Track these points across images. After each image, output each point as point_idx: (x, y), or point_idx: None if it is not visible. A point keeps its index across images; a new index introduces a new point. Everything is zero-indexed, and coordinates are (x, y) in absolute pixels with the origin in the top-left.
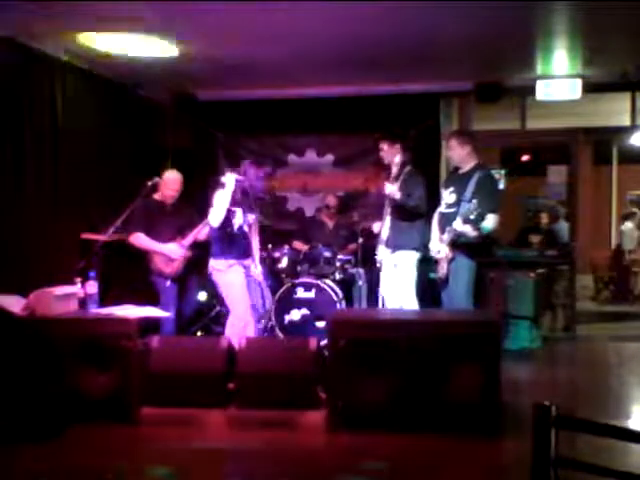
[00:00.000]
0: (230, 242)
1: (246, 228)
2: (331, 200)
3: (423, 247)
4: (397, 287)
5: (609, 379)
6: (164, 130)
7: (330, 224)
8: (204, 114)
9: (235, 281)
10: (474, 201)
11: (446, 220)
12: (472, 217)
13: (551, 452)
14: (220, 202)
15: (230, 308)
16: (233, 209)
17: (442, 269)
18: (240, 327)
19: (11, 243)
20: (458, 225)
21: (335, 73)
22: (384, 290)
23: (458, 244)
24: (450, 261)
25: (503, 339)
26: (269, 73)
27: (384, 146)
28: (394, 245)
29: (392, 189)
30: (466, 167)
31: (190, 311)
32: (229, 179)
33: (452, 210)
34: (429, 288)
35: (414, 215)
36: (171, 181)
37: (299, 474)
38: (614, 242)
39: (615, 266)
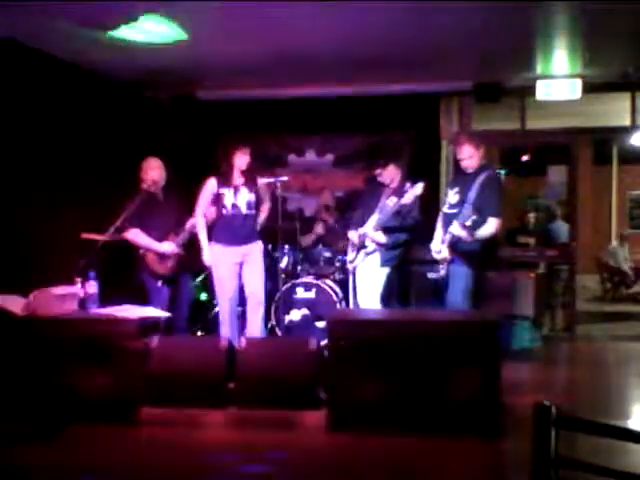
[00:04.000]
0: (223, 226)
1: (244, 208)
2: (328, 199)
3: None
4: (368, 294)
5: (609, 379)
6: (164, 130)
7: (329, 222)
8: (204, 114)
9: (218, 272)
10: (471, 207)
11: (448, 221)
12: (468, 223)
13: (551, 452)
14: None
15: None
16: (222, 191)
17: (442, 269)
18: (223, 323)
19: (12, 243)
20: (455, 229)
21: (335, 73)
22: (361, 297)
23: (458, 249)
24: (449, 262)
25: (504, 340)
26: (268, 73)
27: (380, 172)
28: (384, 260)
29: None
30: (472, 168)
31: (188, 311)
32: None
33: (454, 211)
34: (429, 288)
35: (411, 232)
36: (150, 166)
37: (299, 474)
38: (606, 261)
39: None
